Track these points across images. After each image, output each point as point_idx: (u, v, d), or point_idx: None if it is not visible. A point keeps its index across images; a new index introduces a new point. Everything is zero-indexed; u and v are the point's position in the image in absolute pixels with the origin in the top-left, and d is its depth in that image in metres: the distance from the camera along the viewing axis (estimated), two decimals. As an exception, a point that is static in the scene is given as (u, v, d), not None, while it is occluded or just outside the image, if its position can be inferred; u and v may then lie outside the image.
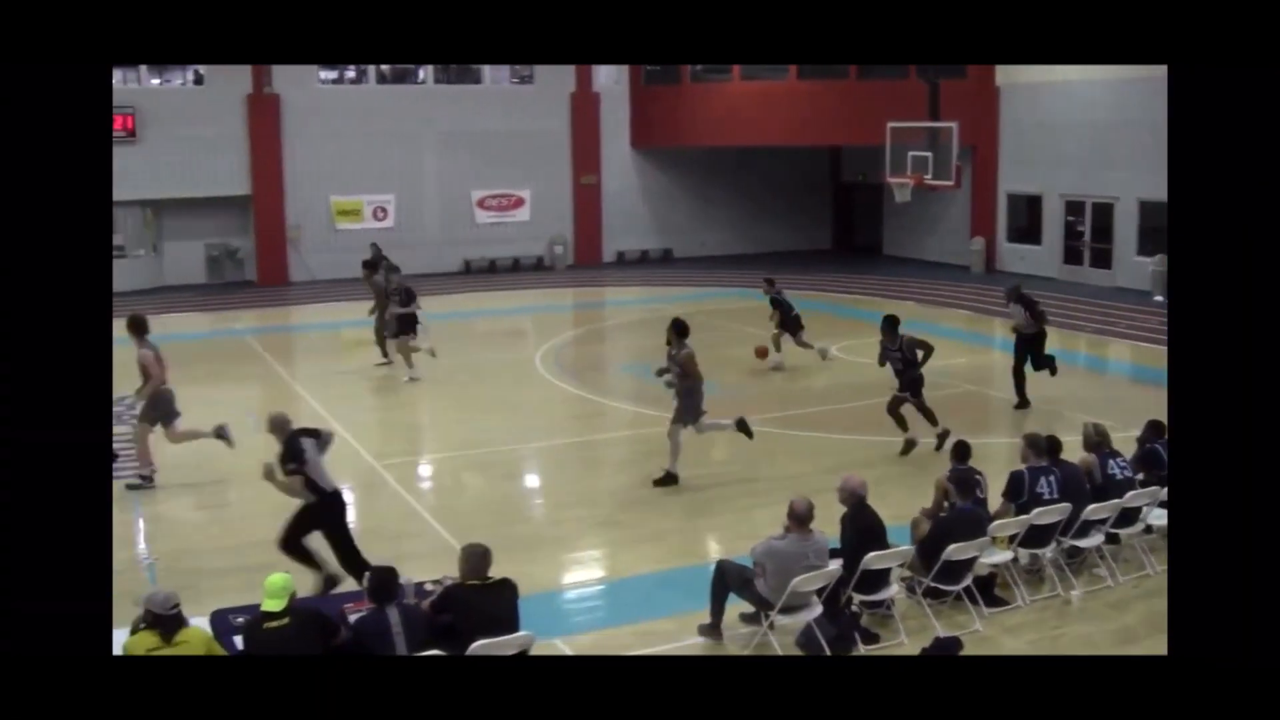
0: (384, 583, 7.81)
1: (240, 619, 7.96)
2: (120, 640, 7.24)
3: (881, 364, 15.42)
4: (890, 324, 15.08)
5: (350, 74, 33.89)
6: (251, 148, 32.24)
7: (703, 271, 33.22)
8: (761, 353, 20.49)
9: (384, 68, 33.87)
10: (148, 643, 7.08)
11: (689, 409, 13.37)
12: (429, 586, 8.61)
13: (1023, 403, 17.13)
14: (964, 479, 10.28)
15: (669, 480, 13.44)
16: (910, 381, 14.90)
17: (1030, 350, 17.37)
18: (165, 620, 7.14)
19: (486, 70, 34.52)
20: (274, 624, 7.36)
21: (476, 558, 8.07)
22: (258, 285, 32.36)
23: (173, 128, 31.44)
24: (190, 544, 12.14)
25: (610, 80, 35.39)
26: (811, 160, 37.16)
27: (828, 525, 9.63)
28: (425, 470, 15.16)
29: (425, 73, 34.14)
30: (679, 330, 13.45)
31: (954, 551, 9.60)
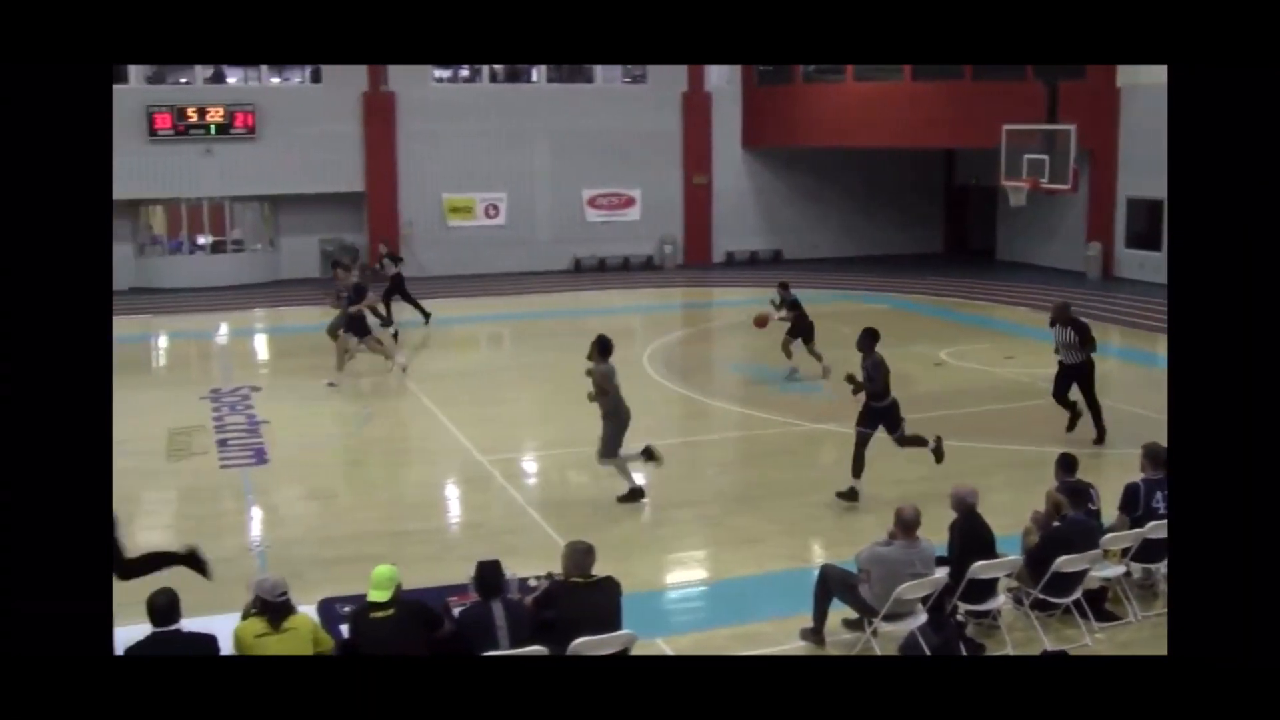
0: (489, 577, 7.86)
1: (347, 608, 8.06)
2: (231, 624, 7.36)
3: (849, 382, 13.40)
4: (869, 337, 13.17)
5: (464, 73, 34.24)
6: (366, 145, 32.73)
7: (812, 273, 32.99)
8: (761, 322, 19.81)
9: (497, 67, 34.15)
10: (256, 629, 7.20)
11: (608, 437, 13.04)
12: (533, 582, 8.64)
13: (1099, 435, 15.24)
14: (1076, 490, 10.06)
15: (633, 496, 13.14)
16: (885, 412, 12.98)
17: (1074, 382, 15.40)
18: (273, 607, 7.25)
19: (599, 70, 34.66)
20: (380, 614, 7.44)
21: (580, 555, 8.09)
22: (370, 279, 32.79)
23: (290, 125, 32.03)
24: (300, 533, 12.34)
25: (722, 80, 35.31)
26: (924, 162, 36.74)
27: (935, 533, 9.49)
28: (531, 466, 15.25)
29: (538, 72, 34.36)
30: (602, 348, 13.09)
31: (1064, 564, 9.41)
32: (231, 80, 33.09)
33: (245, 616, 7.44)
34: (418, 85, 32.83)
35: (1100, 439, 15.17)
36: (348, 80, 32.21)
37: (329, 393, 18.68)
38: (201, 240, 33.70)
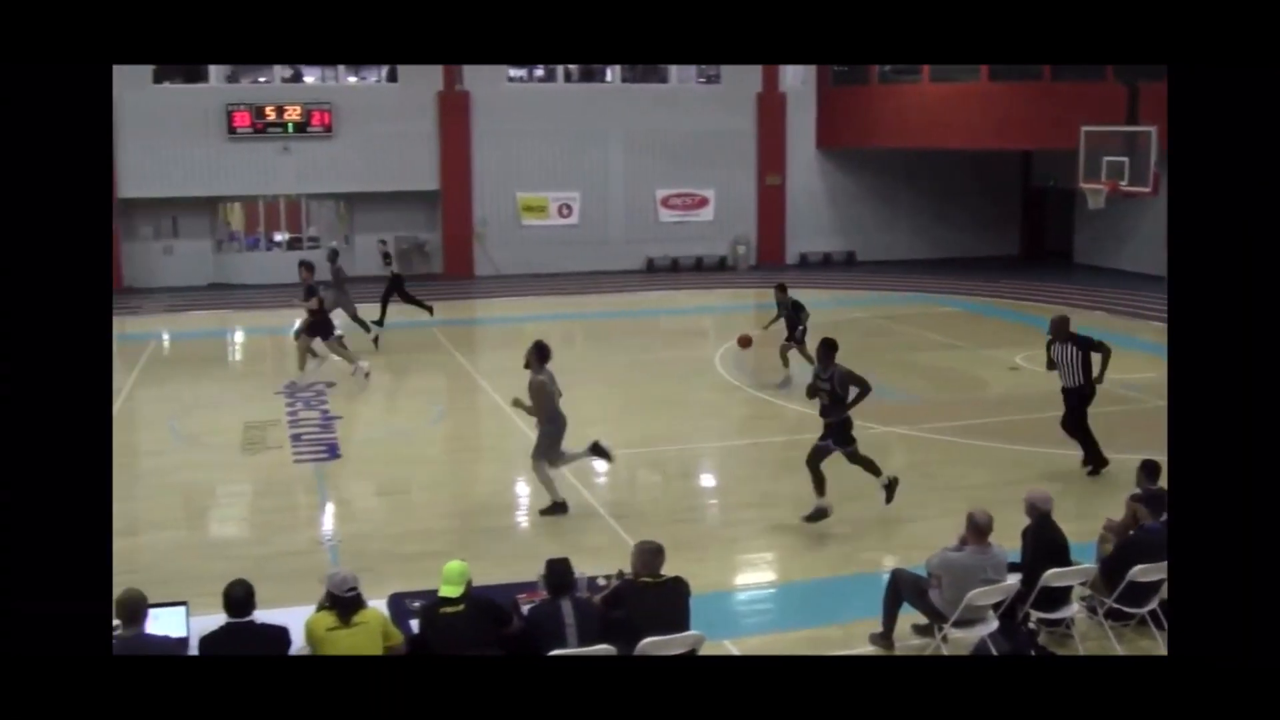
0: (559, 574, 7.88)
1: (417, 603, 8.10)
2: (304, 617, 7.44)
3: (810, 395, 12.58)
4: (826, 348, 12.29)
5: (539, 73, 34.38)
6: (441, 144, 32.98)
7: (886, 275, 32.79)
8: (744, 342, 19.55)
9: (572, 67, 34.26)
10: (326, 622, 7.26)
11: (543, 443, 12.72)
12: (602, 581, 8.65)
13: (1094, 462, 14.10)
14: (1155, 498, 9.89)
15: (556, 510, 12.79)
16: (837, 427, 12.28)
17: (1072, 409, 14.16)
18: (343, 601, 7.31)
19: (673, 70, 34.66)
20: (450, 609, 7.49)
21: (650, 554, 8.09)
22: (444, 278, 33.05)
23: (366, 124, 32.34)
24: (372, 527, 12.45)
25: (797, 81, 35.16)
26: (1000, 163, 36.33)
27: (1008, 539, 9.38)
28: (602, 465, 15.28)
29: (612, 72, 34.43)
30: (539, 353, 12.63)
31: (1140, 573, 9.25)
32: (309, 79, 33.47)
33: (318, 609, 7.51)
34: (492, 84, 33.02)
35: (1097, 469, 14.09)
36: (423, 80, 32.48)
37: (400, 392, 18.81)
38: (278, 237, 34.17)
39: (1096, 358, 13.83)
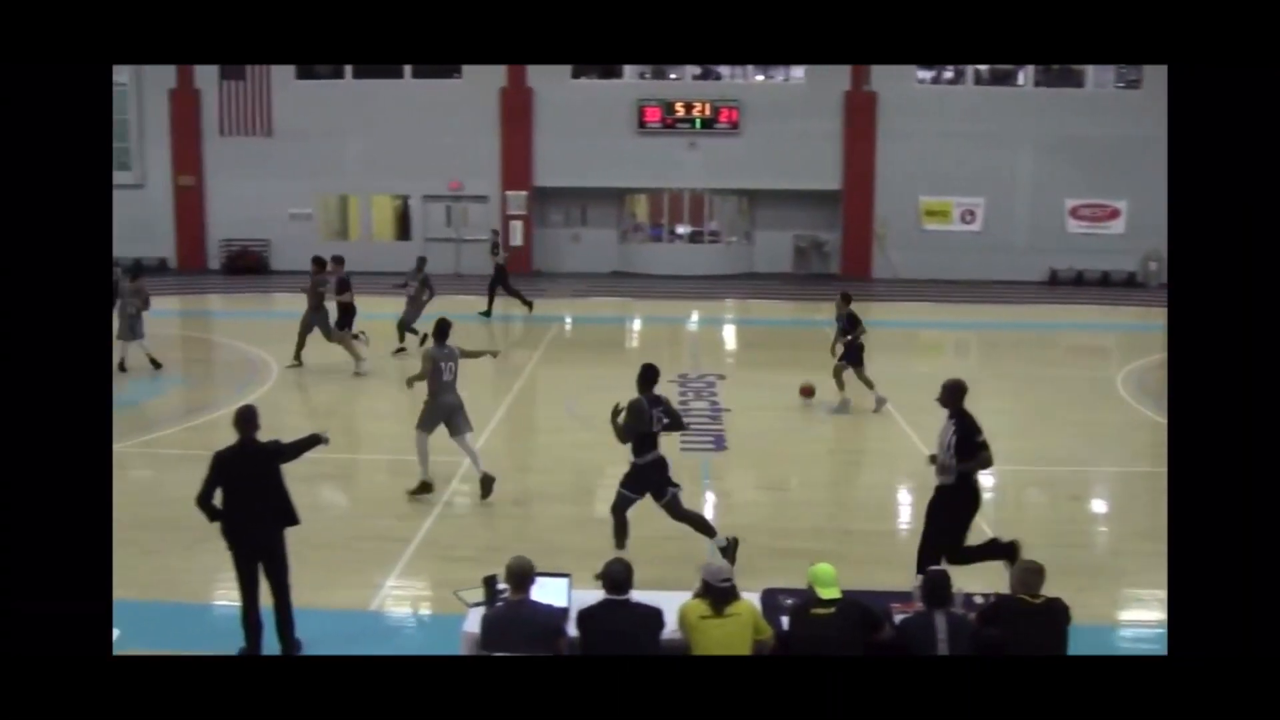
0: (937, 587, 7.67)
1: (789, 600, 8.09)
2: (678, 602, 7.55)
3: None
4: (644, 376, 11.42)
5: (948, 74, 33.71)
6: (845, 144, 32.90)
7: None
8: (807, 391, 17.67)
9: (982, 68, 33.39)
10: (699, 610, 7.35)
11: (423, 414, 13.02)
12: (978, 599, 8.37)
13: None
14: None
15: (423, 489, 12.78)
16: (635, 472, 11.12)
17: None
18: (718, 591, 7.37)
19: (1090, 72, 33.18)
20: (821, 611, 7.43)
21: (1030, 574, 7.76)
22: (841, 278, 32.99)
23: (772, 122, 32.70)
24: (751, 521, 12.53)
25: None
26: None
27: None
28: (988, 480, 14.79)
29: (1024, 74, 33.32)
30: (438, 332, 13.12)
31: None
32: (719, 77, 34.18)
33: (695, 596, 7.62)
34: (901, 85, 32.67)
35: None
36: (831, 79, 32.52)
37: (785, 387, 18.87)
38: (680, 229, 35.05)
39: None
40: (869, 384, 17.48)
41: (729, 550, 10.69)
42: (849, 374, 17.51)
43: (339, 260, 20.80)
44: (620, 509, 10.93)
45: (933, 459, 10.32)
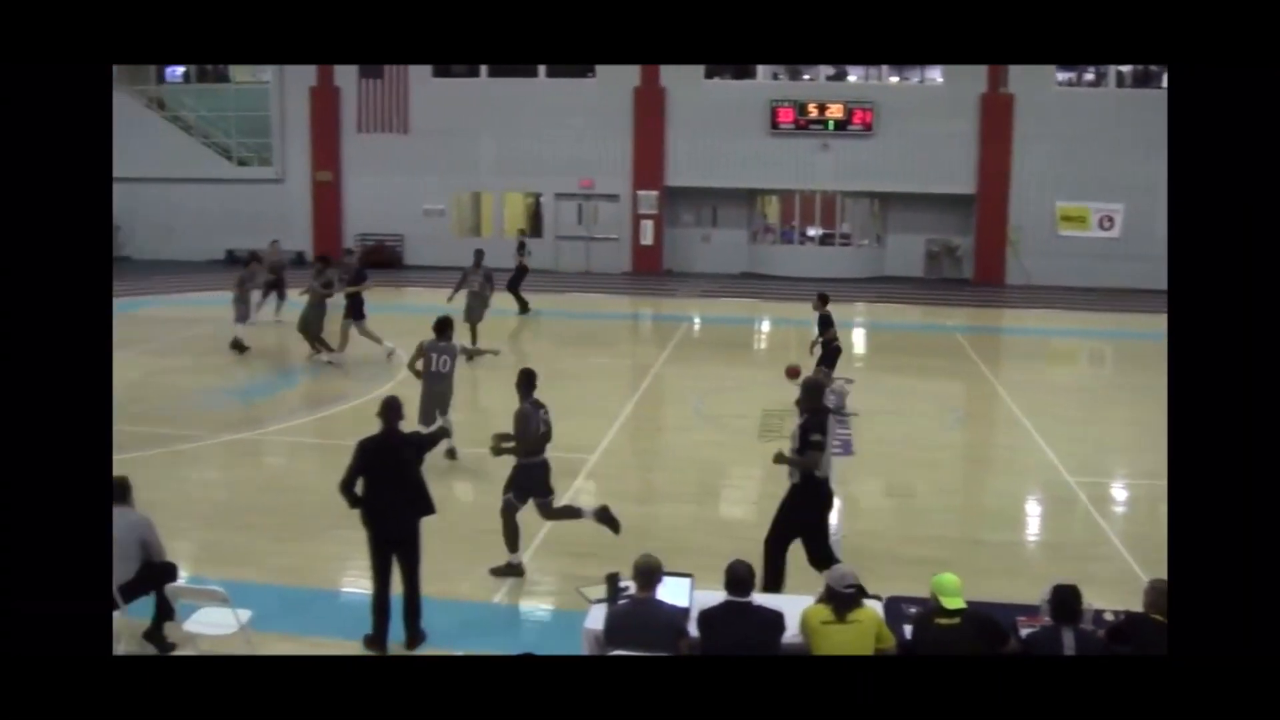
0: (1067, 601, 7.52)
1: (913, 609, 8.01)
2: (800, 606, 7.52)
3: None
4: (524, 380, 10.79)
5: (1089, 76, 33.01)
6: (981, 147, 32.42)
7: None
8: (793, 373, 16.64)
9: (1124, 69, 32.63)
10: (822, 615, 7.31)
11: (421, 405, 13.92)
12: (1108, 616, 8.19)
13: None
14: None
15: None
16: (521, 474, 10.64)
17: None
18: (841, 597, 7.33)
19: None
20: (945, 621, 7.33)
21: (1162, 593, 7.57)
22: (973, 284, 32.53)
23: (906, 124, 32.39)
24: (877, 527, 12.43)
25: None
26: None
27: None
28: (1121, 494, 14.47)
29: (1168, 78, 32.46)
30: (438, 326, 14.23)
31: None
32: (853, 78, 33.91)
33: (818, 601, 7.58)
34: (1038, 88, 32.12)
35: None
36: (968, 81, 32.07)
37: (917, 394, 18.67)
38: (811, 231, 34.88)
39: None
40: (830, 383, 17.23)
41: (604, 517, 10.71)
42: (823, 375, 16.98)
43: (350, 253, 22.19)
44: (510, 512, 10.64)
45: (778, 458, 9.96)
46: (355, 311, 20.75)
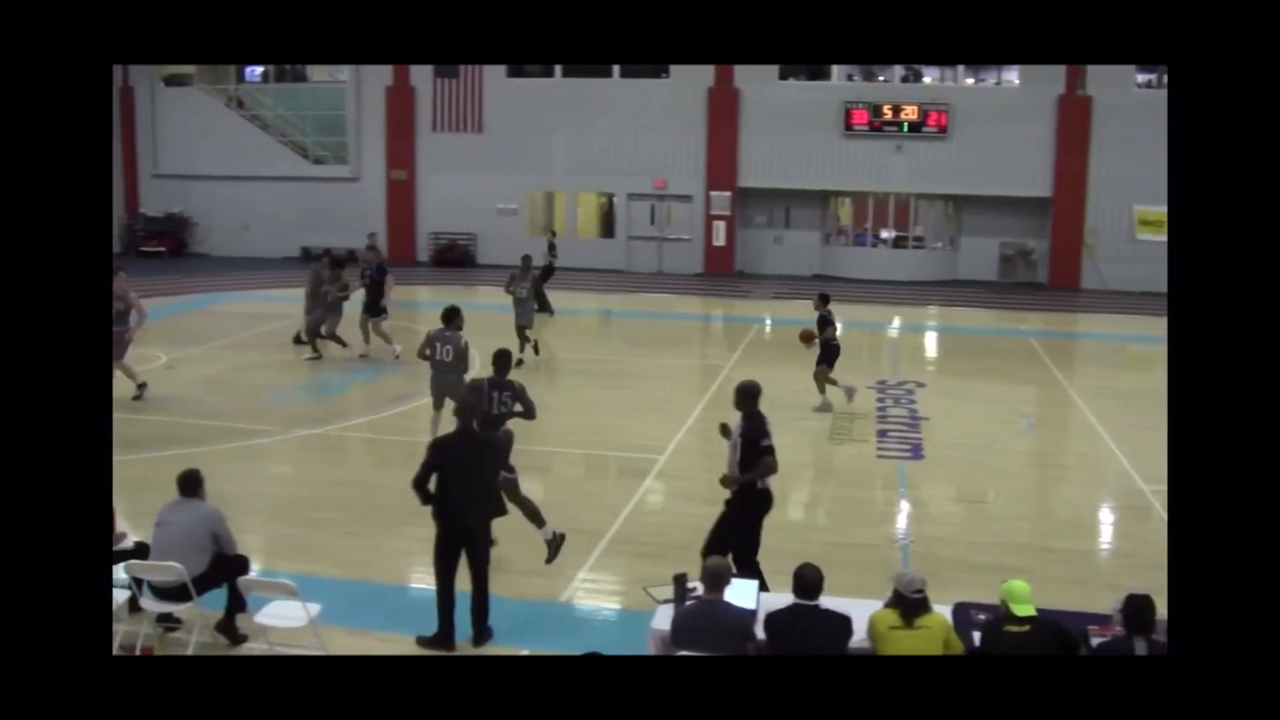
0: (1140, 612, 7.40)
1: (982, 616, 7.94)
2: (869, 610, 7.48)
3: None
4: (499, 361, 11.17)
5: (1164, 77, 32.49)
6: (1057, 149, 32.03)
7: None
8: (807, 337, 17.19)
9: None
10: (889, 620, 7.26)
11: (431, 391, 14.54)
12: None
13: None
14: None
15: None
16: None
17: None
18: (909, 602, 7.27)
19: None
20: (1015, 629, 7.25)
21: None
22: (1047, 288, 32.15)
23: (982, 126, 32.07)
24: (946, 532, 12.33)
25: None
26: None
27: None
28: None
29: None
30: (446, 315, 14.58)
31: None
32: (928, 80, 33.66)
33: (885, 605, 7.53)
34: (1118, 89, 31.64)
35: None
36: (1045, 83, 31.70)
37: (989, 399, 18.49)
38: (884, 234, 34.65)
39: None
40: (826, 384, 17.39)
41: (553, 544, 10.65)
42: (820, 372, 17.41)
43: (373, 248, 23.04)
44: (514, 490, 10.72)
45: (724, 480, 9.64)
46: (373, 309, 21.00)
